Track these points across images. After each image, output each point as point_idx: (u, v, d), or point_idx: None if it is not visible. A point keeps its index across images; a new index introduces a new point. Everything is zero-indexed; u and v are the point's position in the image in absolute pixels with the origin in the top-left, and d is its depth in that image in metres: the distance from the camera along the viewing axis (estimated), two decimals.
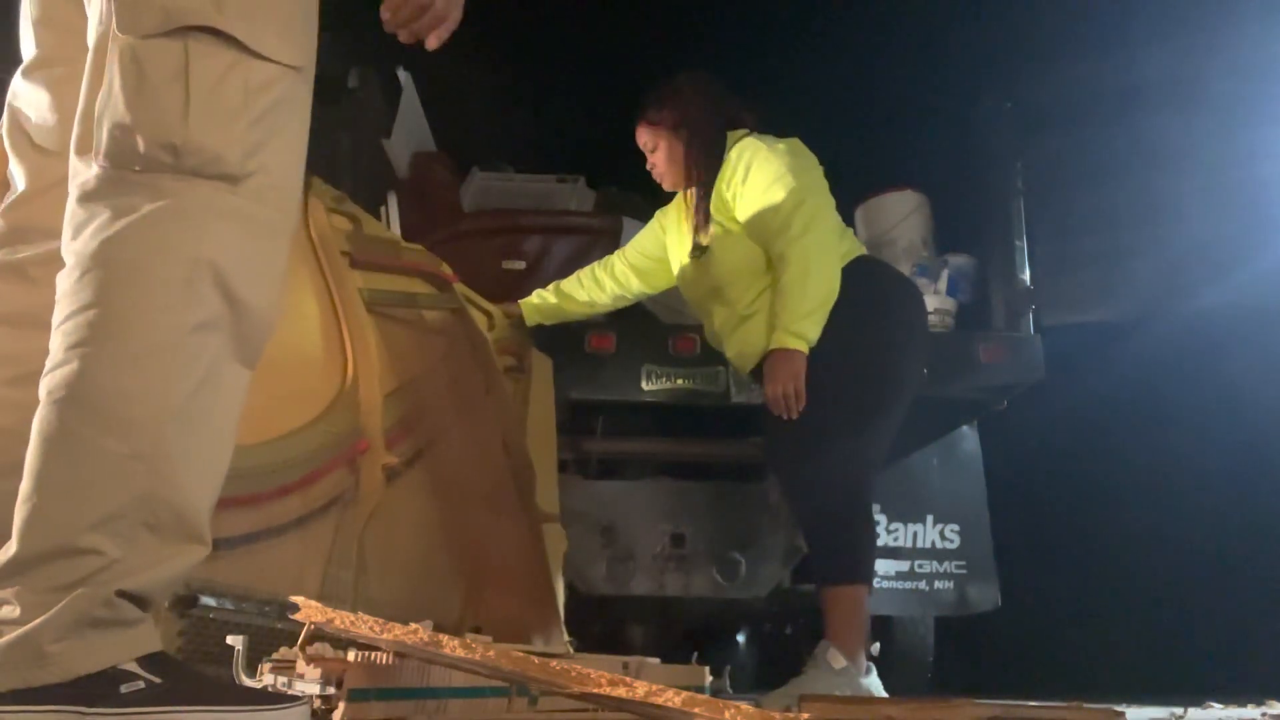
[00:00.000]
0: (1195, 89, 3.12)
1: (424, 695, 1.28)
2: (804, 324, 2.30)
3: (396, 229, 3.29)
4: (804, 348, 2.30)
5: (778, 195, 2.36)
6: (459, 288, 2.36)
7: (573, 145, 4.19)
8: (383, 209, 3.31)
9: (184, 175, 1.13)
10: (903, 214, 3.46)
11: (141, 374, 1.10)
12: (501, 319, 2.64)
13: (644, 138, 2.63)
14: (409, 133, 3.63)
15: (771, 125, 2.62)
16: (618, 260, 2.83)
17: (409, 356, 2.14)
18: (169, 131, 1.12)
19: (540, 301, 2.79)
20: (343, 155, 3.47)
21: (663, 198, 2.82)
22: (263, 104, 1.17)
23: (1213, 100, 3.11)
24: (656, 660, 1.81)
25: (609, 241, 3.31)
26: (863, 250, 2.58)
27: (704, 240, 2.51)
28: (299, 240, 1.90)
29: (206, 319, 1.13)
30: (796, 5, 4.16)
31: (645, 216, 3.30)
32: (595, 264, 2.86)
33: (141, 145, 1.12)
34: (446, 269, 2.34)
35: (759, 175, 2.40)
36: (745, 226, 2.44)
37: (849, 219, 3.59)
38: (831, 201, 2.48)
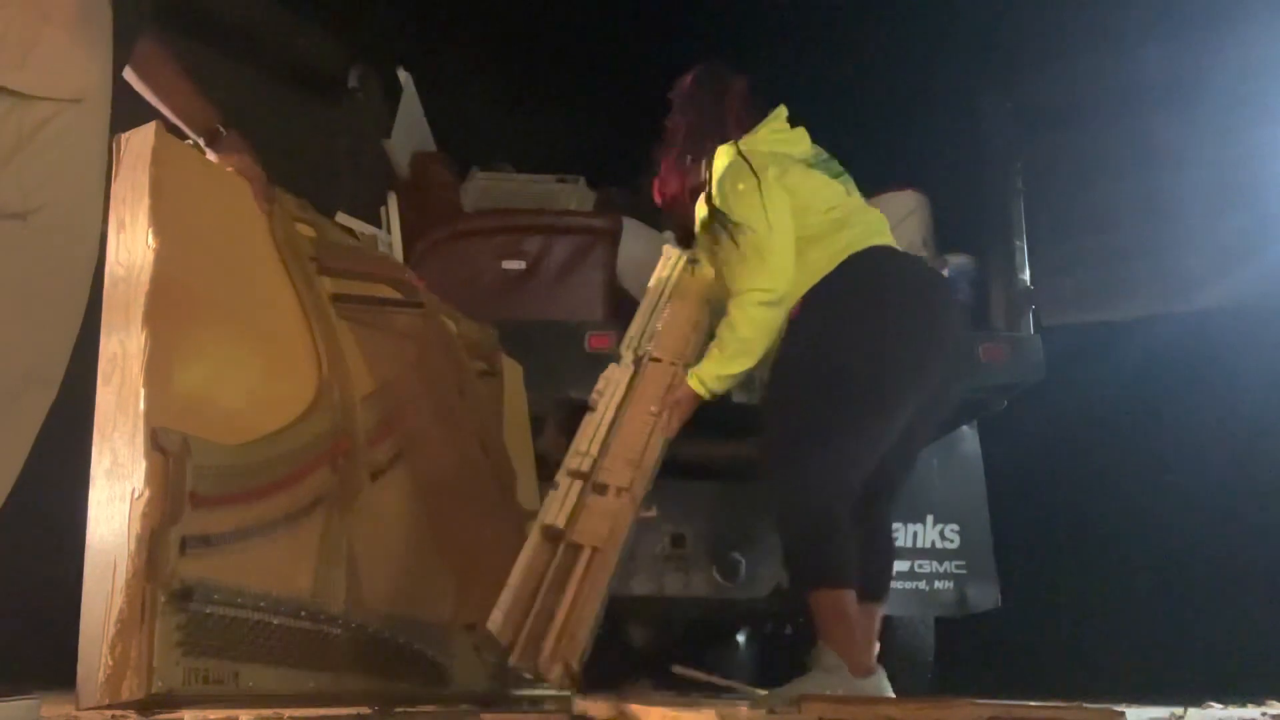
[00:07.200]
0: (1195, 89, 3.11)
1: None
2: (716, 382, 2.35)
3: (397, 229, 3.29)
4: (704, 396, 2.37)
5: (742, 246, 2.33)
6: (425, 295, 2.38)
7: (573, 145, 4.19)
8: (383, 209, 3.31)
9: None
10: (903, 214, 3.44)
11: None
12: (469, 325, 2.65)
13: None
14: (409, 133, 3.63)
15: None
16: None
17: (382, 359, 2.16)
18: None
19: None
20: (343, 155, 3.48)
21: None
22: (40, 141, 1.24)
23: (1213, 100, 3.11)
24: None
25: (609, 241, 3.31)
26: (874, 240, 2.44)
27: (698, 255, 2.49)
28: (265, 248, 1.92)
29: None
30: (796, 4, 4.15)
31: (645, 217, 3.30)
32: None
33: None
34: (413, 274, 2.34)
35: (732, 201, 2.37)
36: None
37: None
38: (787, 222, 2.37)
